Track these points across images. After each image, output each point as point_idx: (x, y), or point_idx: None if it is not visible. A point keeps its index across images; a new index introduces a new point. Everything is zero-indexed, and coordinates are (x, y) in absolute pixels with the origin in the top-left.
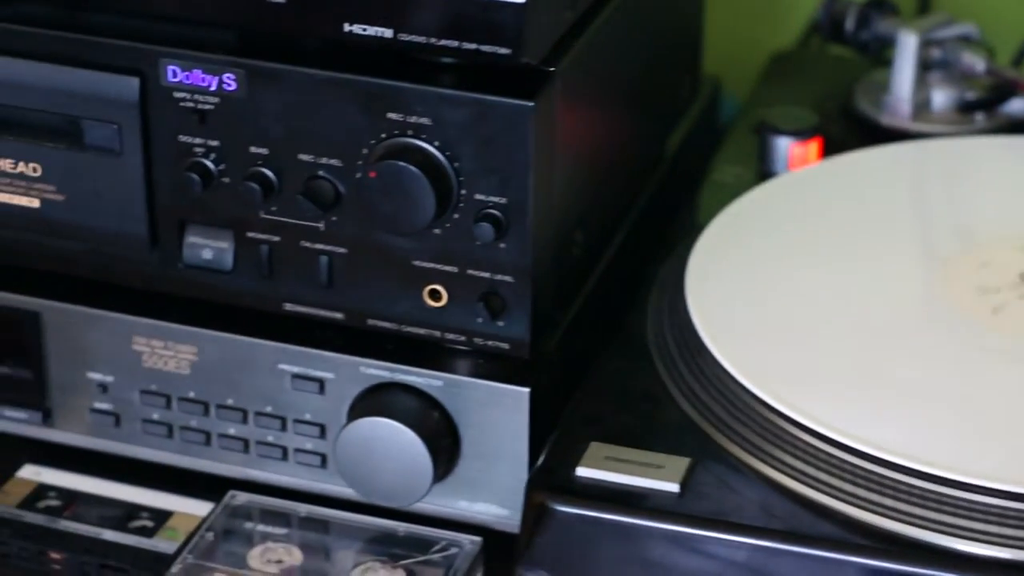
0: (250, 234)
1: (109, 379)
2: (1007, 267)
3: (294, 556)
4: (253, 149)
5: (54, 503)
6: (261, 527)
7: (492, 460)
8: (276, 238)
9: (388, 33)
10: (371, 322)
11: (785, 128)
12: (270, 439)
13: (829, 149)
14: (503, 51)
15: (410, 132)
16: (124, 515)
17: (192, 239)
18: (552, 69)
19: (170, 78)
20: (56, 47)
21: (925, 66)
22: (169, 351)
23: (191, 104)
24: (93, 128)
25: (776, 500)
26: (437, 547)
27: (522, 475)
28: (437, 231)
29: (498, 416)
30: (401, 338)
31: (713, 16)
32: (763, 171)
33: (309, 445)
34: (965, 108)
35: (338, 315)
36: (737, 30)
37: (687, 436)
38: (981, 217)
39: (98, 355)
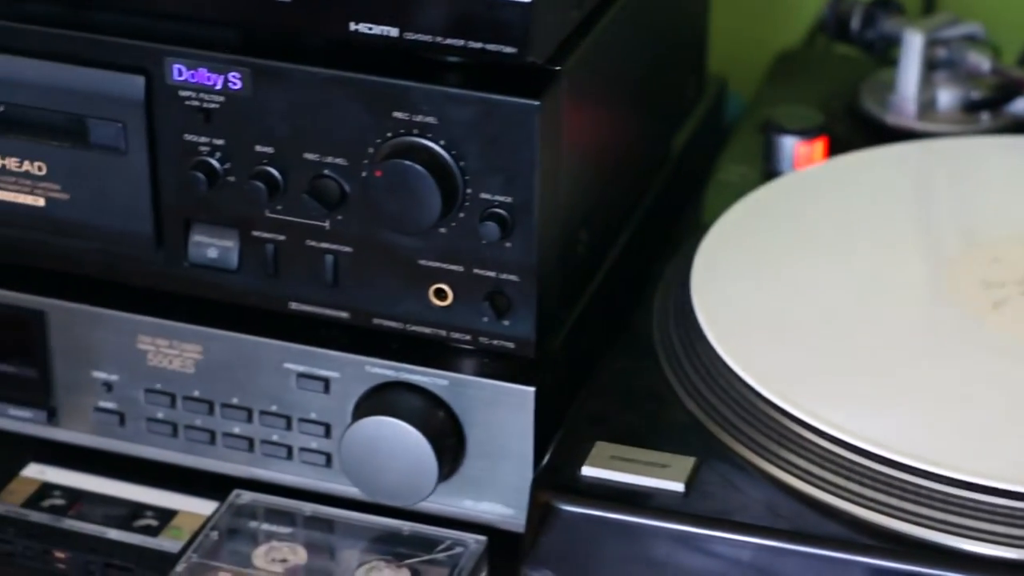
0: (255, 233)
1: (114, 378)
2: (1016, 264)
3: (299, 555)
4: (258, 148)
5: (59, 502)
6: (266, 526)
7: (497, 459)
8: (281, 237)
9: (394, 32)
10: (376, 321)
11: (790, 127)
12: (275, 438)
13: (834, 148)
14: (509, 50)
15: (416, 131)
16: (129, 514)
17: (197, 238)
18: (558, 68)
19: (175, 77)
20: (61, 46)
21: (931, 65)
22: (174, 350)
23: (196, 103)
24: (98, 127)
25: (782, 500)
26: (442, 546)
27: (527, 474)
28: (443, 230)
29: (503, 415)
30: (406, 337)
31: (719, 15)
32: (768, 170)
33: (314, 444)
34: (970, 107)
35: (343, 314)
36: (742, 29)
37: (692, 435)
38: (986, 216)
39: (103, 354)
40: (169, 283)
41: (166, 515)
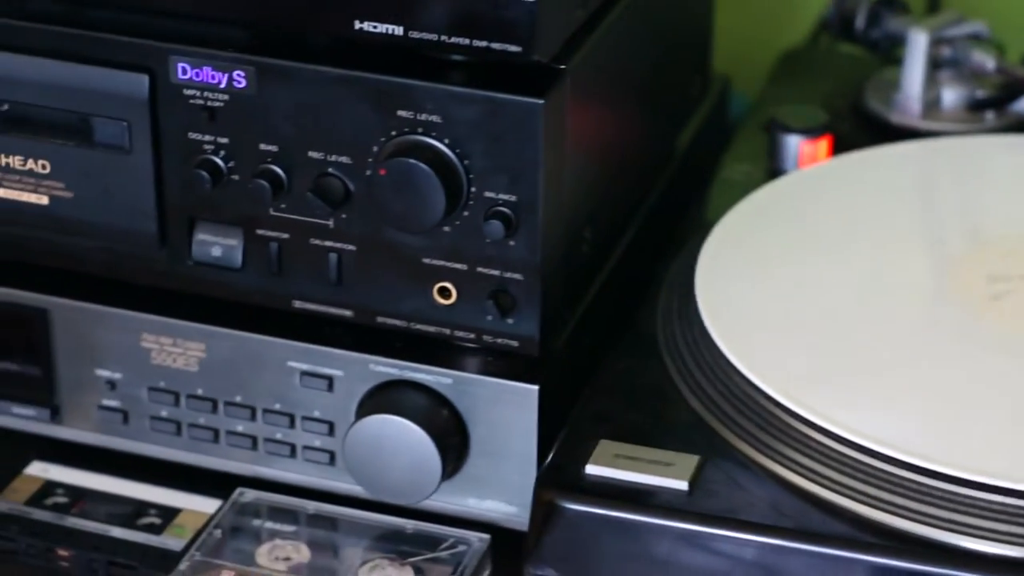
0: (259, 231)
1: (117, 376)
2: (1022, 262)
3: (302, 553)
4: (263, 146)
5: (62, 500)
6: (269, 524)
7: (501, 458)
8: (285, 235)
9: (399, 30)
10: (380, 319)
11: (795, 126)
12: (278, 436)
13: (839, 147)
14: (514, 49)
15: (420, 130)
16: (132, 512)
17: (201, 236)
18: (563, 67)
19: (180, 75)
20: (66, 44)
21: (935, 64)
22: (178, 348)
23: (201, 101)
24: (102, 125)
25: (786, 498)
26: (445, 545)
27: (531, 473)
28: (447, 229)
29: (507, 414)
30: (410, 335)
31: (723, 14)
32: (773, 169)
33: (318, 442)
34: (975, 106)
35: (347, 312)
36: (747, 28)
37: (696, 434)
38: (991, 215)
39: (106, 352)
40: (173, 281)
41: (169, 513)
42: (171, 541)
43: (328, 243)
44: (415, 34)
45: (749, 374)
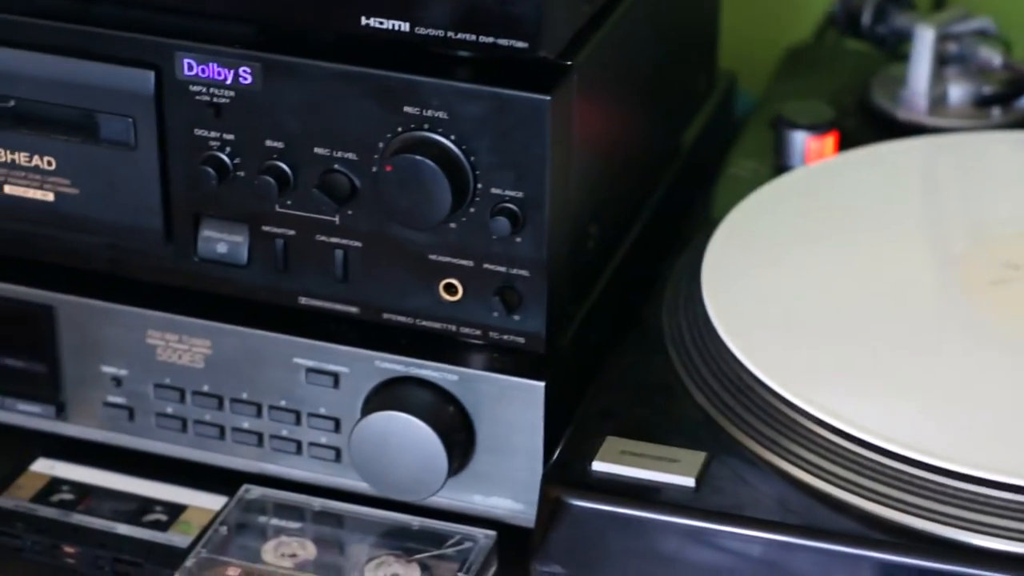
0: (265, 228)
1: (123, 373)
2: None
3: (308, 550)
4: (269, 143)
5: (68, 497)
6: (275, 521)
7: (507, 454)
8: (291, 232)
9: (405, 26)
10: (386, 316)
11: (801, 122)
12: (284, 433)
13: (845, 143)
14: (520, 45)
15: (426, 126)
16: (138, 509)
17: (207, 233)
18: (569, 63)
19: (186, 71)
20: (71, 40)
21: (942, 60)
22: (183, 345)
23: (207, 97)
24: (108, 121)
25: (792, 495)
26: (451, 541)
27: (537, 469)
28: (453, 225)
29: (513, 410)
30: (416, 332)
31: (729, 10)
32: (779, 165)
33: (323, 439)
34: (982, 102)
35: (353, 309)
36: (753, 24)
37: (703, 430)
38: (997, 212)
39: (112, 349)
40: (178, 278)
41: (175, 510)
42: (177, 538)
43: (334, 240)
44: (421, 30)
45: (755, 370)
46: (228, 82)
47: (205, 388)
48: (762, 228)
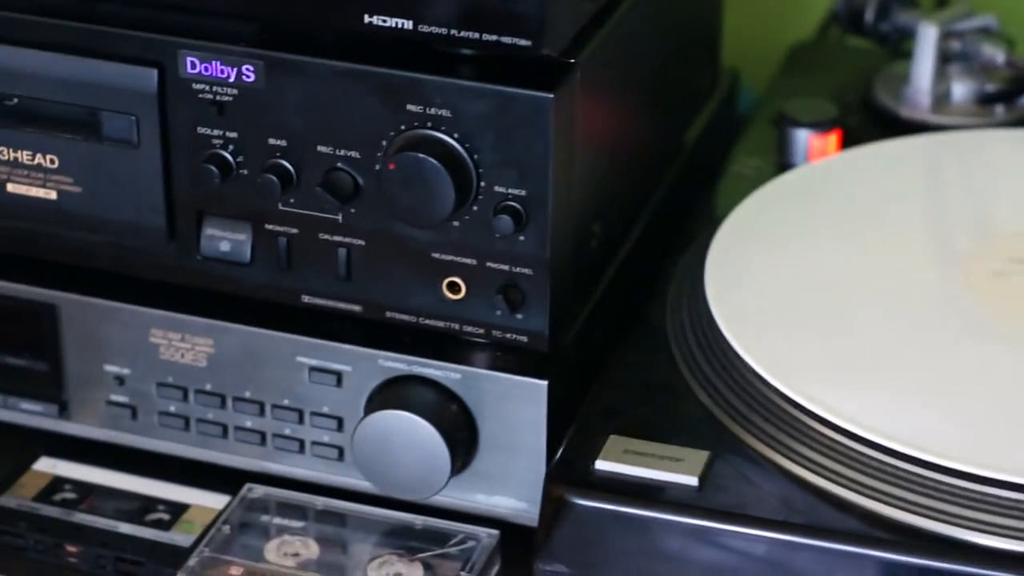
0: (268, 226)
1: (126, 371)
2: None
3: (311, 549)
4: (272, 141)
5: (70, 496)
6: (278, 520)
7: (510, 453)
8: (294, 230)
9: (408, 24)
10: (389, 314)
11: (804, 120)
12: (287, 432)
13: (848, 141)
14: (523, 43)
15: (429, 124)
16: (140, 508)
17: (210, 231)
18: (572, 61)
19: (189, 69)
20: (74, 38)
21: (945, 58)
22: (186, 343)
23: (209, 96)
24: (111, 120)
25: (796, 494)
26: (454, 540)
27: (540, 468)
28: (456, 223)
29: (516, 409)
30: (419, 331)
31: (732, 8)
32: (782, 163)
33: (326, 438)
34: (985, 100)
35: (356, 307)
36: (756, 22)
37: (706, 429)
38: (1001, 209)
39: (115, 348)
40: (181, 276)
41: (178, 509)
42: (180, 537)
43: (337, 238)
44: (424, 28)
45: (759, 369)
46: (231, 80)
47: (208, 387)
48: (765, 226)
